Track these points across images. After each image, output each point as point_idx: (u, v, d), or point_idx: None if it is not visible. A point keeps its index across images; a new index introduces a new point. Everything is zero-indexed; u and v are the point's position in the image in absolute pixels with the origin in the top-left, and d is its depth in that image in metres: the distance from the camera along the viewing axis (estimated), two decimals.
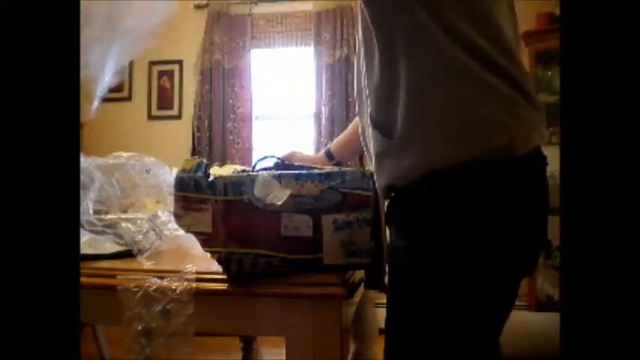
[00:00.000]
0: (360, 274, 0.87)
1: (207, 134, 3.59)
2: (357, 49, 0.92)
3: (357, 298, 0.89)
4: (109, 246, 1.00)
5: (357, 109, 0.97)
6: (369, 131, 0.84)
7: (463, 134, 0.75)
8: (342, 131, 4.02)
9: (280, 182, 0.76)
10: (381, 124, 0.80)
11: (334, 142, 1.29)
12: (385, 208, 0.85)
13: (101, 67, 1.13)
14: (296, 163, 1.04)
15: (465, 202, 0.74)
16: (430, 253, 0.76)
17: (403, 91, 0.77)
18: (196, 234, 0.80)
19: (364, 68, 0.84)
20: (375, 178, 0.82)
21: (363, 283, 0.90)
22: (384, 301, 0.99)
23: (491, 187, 0.75)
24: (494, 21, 0.79)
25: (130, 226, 1.02)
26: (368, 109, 0.84)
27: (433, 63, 0.76)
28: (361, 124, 0.93)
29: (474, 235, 0.74)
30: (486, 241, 0.75)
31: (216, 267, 0.80)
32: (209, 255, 0.81)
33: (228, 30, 3.59)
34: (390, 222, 0.81)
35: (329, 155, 1.23)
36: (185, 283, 0.81)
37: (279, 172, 0.78)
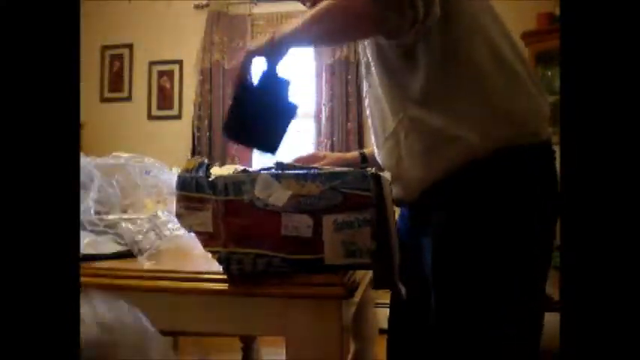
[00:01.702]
0: (360, 274, 0.87)
1: (207, 134, 3.59)
2: (366, 59, 0.99)
3: (357, 298, 0.89)
4: (110, 246, 1.00)
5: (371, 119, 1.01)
6: (402, 136, 0.90)
7: (507, 122, 0.84)
8: (341, 131, 4.01)
9: (281, 182, 0.76)
10: (426, 120, 0.87)
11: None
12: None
13: None
14: (321, 164, 1.13)
15: (515, 182, 0.84)
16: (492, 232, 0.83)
17: (458, 88, 0.86)
18: (198, 234, 0.81)
19: (393, 75, 0.90)
20: (409, 175, 0.89)
21: (370, 284, 0.90)
22: (384, 301, 1.00)
23: (530, 169, 0.85)
24: (508, 29, 0.91)
25: (130, 226, 1.02)
26: (403, 113, 0.90)
27: (488, 62, 0.86)
28: (383, 130, 0.97)
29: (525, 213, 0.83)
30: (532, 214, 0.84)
31: (216, 267, 0.80)
32: (209, 255, 0.81)
33: (228, 30, 3.59)
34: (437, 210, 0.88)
35: (364, 158, 1.26)
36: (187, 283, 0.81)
37: (280, 172, 0.78)
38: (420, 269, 0.92)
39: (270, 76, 0.89)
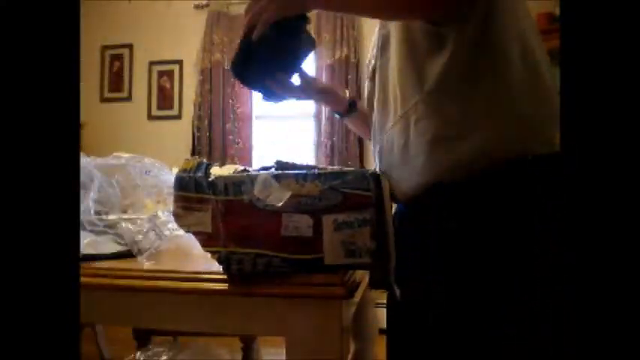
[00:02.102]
0: (360, 274, 0.87)
1: (207, 134, 3.59)
2: (382, 36, 0.96)
3: (357, 298, 0.89)
4: (110, 246, 1.00)
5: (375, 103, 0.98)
6: (413, 120, 0.86)
7: (524, 126, 0.82)
8: (341, 131, 4.00)
9: (280, 182, 0.76)
10: (442, 108, 0.84)
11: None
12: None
13: None
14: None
15: (537, 195, 0.81)
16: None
17: (482, 81, 0.82)
18: (196, 234, 0.80)
19: (415, 54, 0.87)
20: (413, 169, 0.86)
21: (367, 284, 0.90)
22: (385, 301, 1.00)
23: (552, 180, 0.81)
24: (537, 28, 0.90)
25: (130, 226, 1.03)
26: (419, 96, 0.86)
27: (518, 53, 0.83)
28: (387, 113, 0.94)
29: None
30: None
31: (216, 267, 0.80)
32: (209, 255, 0.81)
33: (228, 30, 3.59)
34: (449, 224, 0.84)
35: (352, 105, 1.21)
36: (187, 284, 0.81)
37: (279, 172, 0.79)
38: (418, 269, 0.92)
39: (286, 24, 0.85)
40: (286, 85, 1.05)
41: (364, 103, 1.18)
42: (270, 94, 1.01)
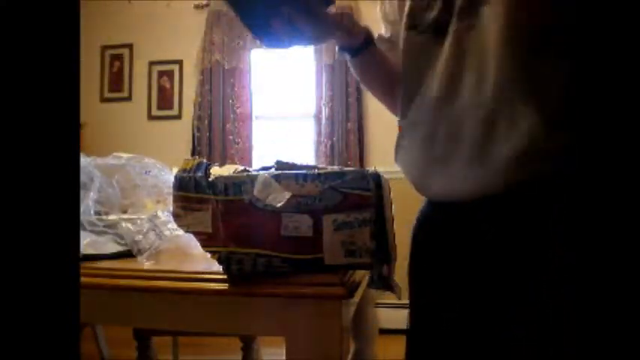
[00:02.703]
0: (360, 274, 0.88)
1: (207, 134, 3.59)
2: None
3: (357, 298, 0.89)
4: (110, 246, 1.00)
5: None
6: (506, 125, 0.72)
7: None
8: (341, 131, 3.97)
9: (280, 182, 0.76)
10: (547, 107, 0.68)
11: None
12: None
13: None
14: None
15: None
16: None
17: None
18: (196, 234, 0.81)
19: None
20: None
21: (367, 283, 0.90)
22: (385, 301, 0.99)
23: None
24: None
25: (130, 226, 1.03)
26: (518, 92, 0.71)
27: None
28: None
29: None
30: None
31: (216, 267, 0.80)
32: (209, 255, 0.81)
33: (228, 30, 3.59)
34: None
35: (368, 40, 0.99)
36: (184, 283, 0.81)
37: (279, 172, 0.79)
38: (438, 271, 0.90)
39: None
40: (294, 26, 0.83)
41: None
42: (270, 37, 0.85)
